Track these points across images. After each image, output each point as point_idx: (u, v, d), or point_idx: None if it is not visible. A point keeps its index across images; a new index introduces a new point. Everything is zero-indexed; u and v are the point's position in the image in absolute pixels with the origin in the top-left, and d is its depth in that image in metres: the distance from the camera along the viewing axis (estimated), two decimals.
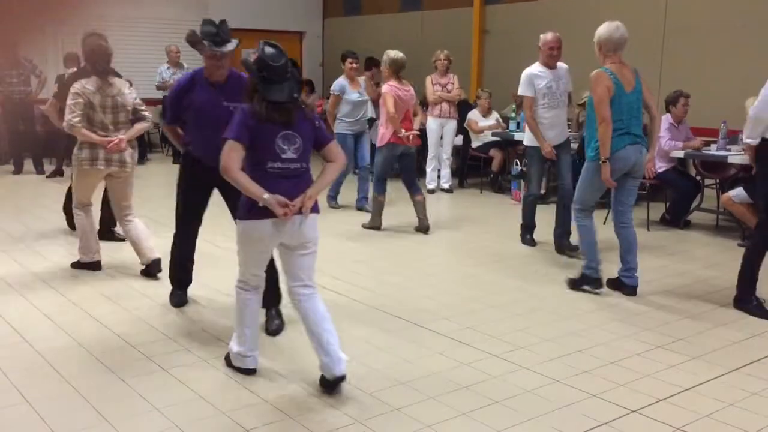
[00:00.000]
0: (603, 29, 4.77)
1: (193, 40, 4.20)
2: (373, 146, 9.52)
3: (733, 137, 7.01)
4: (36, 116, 10.28)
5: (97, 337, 4.11)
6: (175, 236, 4.60)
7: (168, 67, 10.83)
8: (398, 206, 7.54)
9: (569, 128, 7.46)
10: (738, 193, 6.24)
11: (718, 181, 7.45)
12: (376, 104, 10.29)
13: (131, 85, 5.39)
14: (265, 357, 3.83)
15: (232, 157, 3.24)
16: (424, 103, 8.97)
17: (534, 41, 6.14)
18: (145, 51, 11.45)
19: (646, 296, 4.96)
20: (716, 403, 3.40)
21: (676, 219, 7.25)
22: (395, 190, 7.42)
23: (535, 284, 5.27)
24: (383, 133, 6.72)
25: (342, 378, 3.37)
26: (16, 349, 3.91)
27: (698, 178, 7.49)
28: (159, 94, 10.05)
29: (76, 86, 4.95)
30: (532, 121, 6.06)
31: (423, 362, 3.82)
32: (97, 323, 4.32)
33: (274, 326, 4.21)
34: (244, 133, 3.26)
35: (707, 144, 7.25)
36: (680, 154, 7.15)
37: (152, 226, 5.81)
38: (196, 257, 4.74)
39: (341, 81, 7.72)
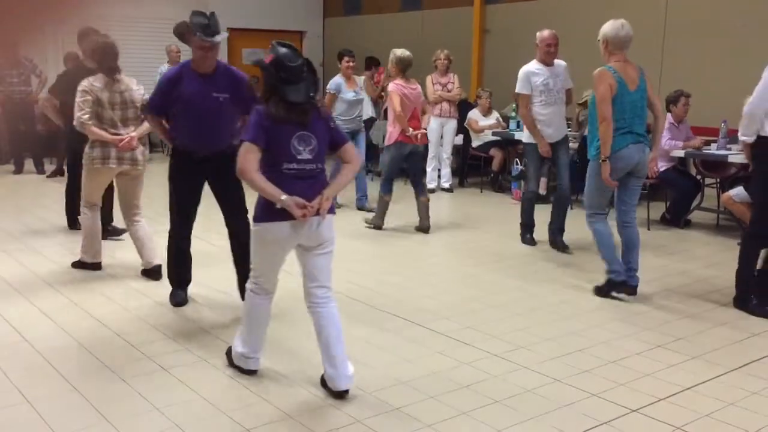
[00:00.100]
0: (608, 27, 4.75)
1: (181, 31, 4.22)
2: (374, 146, 9.57)
3: (733, 136, 7.00)
4: (36, 116, 10.28)
5: (97, 336, 4.11)
6: (171, 231, 4.60)
7: (168, 67, 10.84)
8: (399, 206, 7.54)
9: (569, 127, 7.47)
10: (738, 192, 6.23)
11: (718, 180, 7.45)
12: (376, 104, 10.31)
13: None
14: (265, 356, 3.83)
15: (249, 158, 3.20)
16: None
17: (534, 40, 6.15)
18: (145, 51, 11.45)
19: (646, 295, 4.96)
20: (716, 403, 3.40)
21: (677, 218, 7.25)
22: (395, 189, 7.41)
23: (535, 284, 5.27)
24: (391, 132, 6.71)
25: (345, 392, 3.36)
26: (16, 349, 3.91)
27: (698, 177, 7.50)
28: None
29: (84, 84, 4.95)
30: (529, 119, 6.09)
31: (423, 362, 3.82)
32: (97, 323, 4.32)
33: None
34: (261, 134, 3.22)
35: (707, 143, 7.25)
36: (681, 153, 7.16)
37: (155, 226, 5.80)
38: (193, 257, 4.75)
39: (337, 79, 7.71)
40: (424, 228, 6.82)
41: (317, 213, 3.23)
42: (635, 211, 5.01)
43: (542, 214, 6.47)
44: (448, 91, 8.87)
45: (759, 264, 4.74)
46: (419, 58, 8.03)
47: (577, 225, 7.02)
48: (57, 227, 6.72)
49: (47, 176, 9.72)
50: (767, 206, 4.62)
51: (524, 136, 6.35)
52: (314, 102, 3.34)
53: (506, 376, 3.67)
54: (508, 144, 8.97)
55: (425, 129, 6.79)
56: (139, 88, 5.15)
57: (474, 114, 9.44)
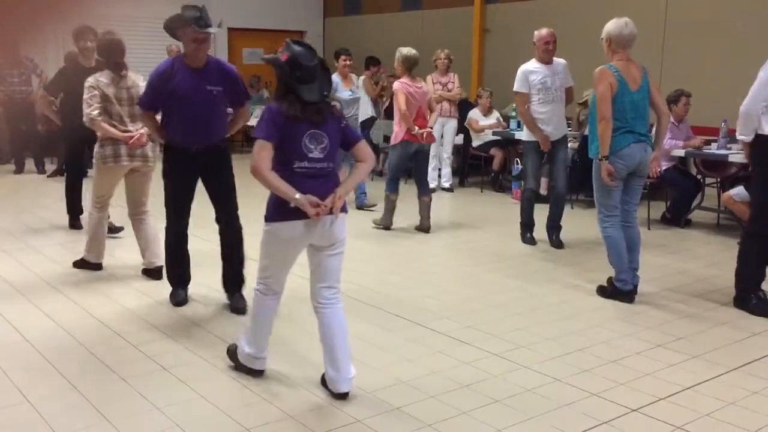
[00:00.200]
0: (612, 25, 4.73)
1: (173, 26, 4.22)
2: (374, 145, 9.57)
3: (733, 136, 6.95)
4: (37, 116, 10.28)
5: (97, 336, 4.11)
6: (168, 228, 4.61)
7: None
8: (399, 205, 7.52)
9: (569, 127, 7.48)
10: (739, 191, 6.23)
11: (718, 179, 7.45)
12: (375, 103, 10.30)
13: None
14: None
15: (263, 156, 3.16)
16: None
17: (532, 41, 6.16)
18: (145, 51, 11.45)
19: (646, 295, 4.96)
20: (716, 402, 3.40)
21: (677, 218, 7.25)
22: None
23: (535, 283, 5.27)
24: (397, 131, 6.70)
25: (345, 395, 3.35)
26: (16, 349, 3.92)
27: (699, 176, 7.49)
28: None
29: (90, 80, 4.95)
30: (527, 117, 6.11)
31: (423, 361, 3.82)
32: (97, 322, 4.32)
33: (242, 305, 4.51)
34: (274, 132, 3.18)
35: (708, 143, 7.25)
36: (681, 152, 7.16)
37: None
38: (192, 257, 4.75)
39: (333, 78, 7.69)
40: (424, 228, 6.82)
41: (330, 212, 3.20)
42: (636, 211, 5.00)
43: (542, 214, 6.47)
44: (449, 91, 8.87)
45: None
46: (419, 58, 8.01)
47: (577, 224, 7.04)
48: (57, 227, 6.73)
49: (48, 176, 9.73)
50: (766, 205, 4.62)
51: (523, 134, 6.37)
52: (328, 101, 3.32)
53: (506, 375, 3.67)
54: (508, 144, 8.97)
55: (431, 128, 6.76)
56: (144, 84, 5.14)
57: (474, 113, 9.44)
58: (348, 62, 7.74)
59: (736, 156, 6.63)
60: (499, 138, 8.98)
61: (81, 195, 6.75)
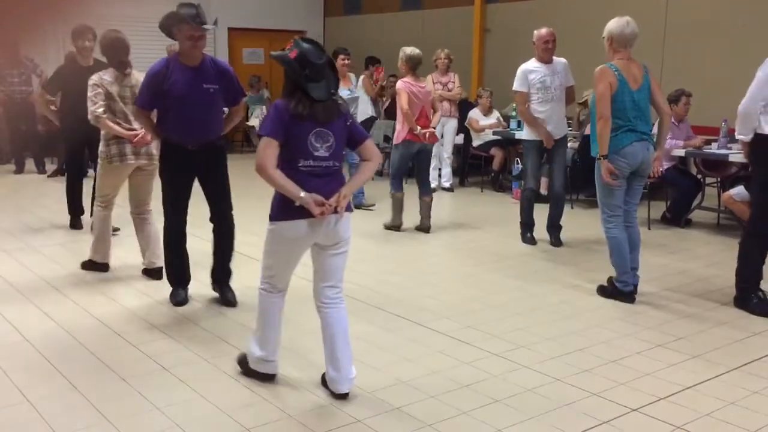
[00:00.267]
0: (613, 24, 4.73)
1: (169, 24, 4.24)
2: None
3: (734, 136, 6.99)
4: (37, 116, 10.29)
5: (97, 336, 4.11)
6: (167, 227, 4.62)
7: None
8: None
9: (569, 127, 7.48)
10: (739, 191, 6.23)
11: (719, 179, 7.45)
12: (375, 102, 10.30)
13: None
14: None
15: (268, 154, 3.13)
16: None
17: (532, 41, 6.16)
18: (145, 51, 11.44)
19: (646, 295, 4.95)
20: (717, 402, 3.40)
21: (677, 217, 7.25)
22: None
23: (535, 283, 5.27)
24: (399, 130, 6.69)
25: (345, 395, 3.35)
26: (16, 349, 3.92)
27: (699, 176, 7.49)
28: None
29: (94, 78, 4.95)
30: (527, 115, 6.13)
31: (423, 361, 3.82)
32: (97, 322, 4.32)
33: (231, 297, 4.66)
34: (280, 130, 3.15)
35: (708, 142, 7.26)
36: (681, 152, 7.16)
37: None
38: (192, 257, 4.75)
39: None
40: (424, 228, 6.82)
41: (335, 211, 3.18)
42: (636, 211, 5.00)
43: (543, 214, 6.47)
44: (449, 91, 8.86)
45: None
46: (423, 57, 8.00)
47: (577, 224, 7.04)
48: (58, 227, 6.73)
49: (48, 176, 9.74)
50: (766, 205, 4.61)
51: (524, 134, 6.37)
52: (335, 99, 3.29)
53: (506, 375, 3.67)
54: (508, 143, 8.96)
55: (434, 128, 6.74)
56: None
57: (474, 113, 9.44)
58: (346, 61, 7.74)
59: (737, 156, 6.62)
60: (499, 138, 8.98)
61: (81, 195, 6.76)
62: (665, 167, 7.13)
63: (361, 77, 9.82)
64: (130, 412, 3.22)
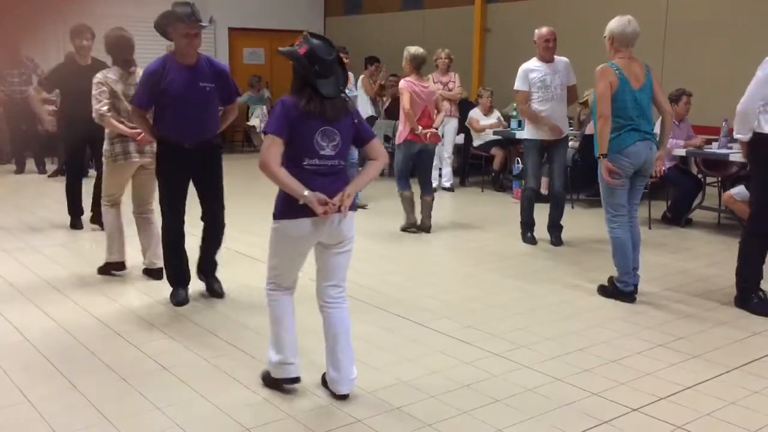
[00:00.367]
0: (615, 23, 4.72)
1: (164, 23, 4.26)
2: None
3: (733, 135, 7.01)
4: (38, 116, 10.30)
5: (97, 336, 4.11)
6: (165, 227, 4.63)
7: None
8: (399, 205, 7.53)
9: (570, 126, 7.47)
10: (739, 190, 6.23)
11: (719, 179, 7.44)
12: (374, 101, 10.30)
13: None
14: (265, 355, 3.83)
15: (272, 152, 3.09)
16: None
17: (533, 40, 6.16)
18: (146, 51, 11.45)
19: (647, 294, 4.95)
20: (717, 402, 3.40)
21: (678, 217, 7.24)
22: (396, 188, 7.39)
23: (535, 283, 5.26)
24: (401, 130, 6.68)
25: (345, 396, 3.34)
26: (17, 349, 3.92)
27: (700, 176, 7.49)
28: None
29: (99, 76, 4.95)
30: (529, 112, 6.13)
31: (424, 361, 3.82)
32: (97, 322, 4.32)
33: (218, 288, 4.78)
34: (285, 127, 3.11)
35: (709, 142, 7.25)
36: (682, 152, 7.16)
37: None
38: (191, 257, 4.75)
39: None
40: (425, 227, 6.82)
41: (339, 210, 3.15)
42: (637, 210, 5.00)
43: (543, 213, 6.47)
44: (449, 90, 8.86)
45: None
46: (427, 57, 8.01)
47: (577, 224, 7.04)
48: (58, 227, 6.73)
49: (48, 176, 9.74)
50: (766, 204, 4.61)
51: (525, 133, 6.37)
52: (343, 96, 3.25)
53: (507, 375, 3.67)
54: (509, 143, 8.96)
55: (436, 128, 6.70)
56: None
57: (475, 113, 9.44)
58: (345, 60, 7.73)
59: (737, 155, 6.61)
60: (499, 137, 8.98)
61: (81, 195, 6.76)
62: (666, 167, 7.13)
63: (361, 77, 9.82)
64: (131, 412, 3.22)
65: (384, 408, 3.28)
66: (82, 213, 6.80)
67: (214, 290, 4.80)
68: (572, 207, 7.92)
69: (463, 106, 9.43)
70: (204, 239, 4.80)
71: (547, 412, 3.27)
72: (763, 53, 4.56)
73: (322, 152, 3.16)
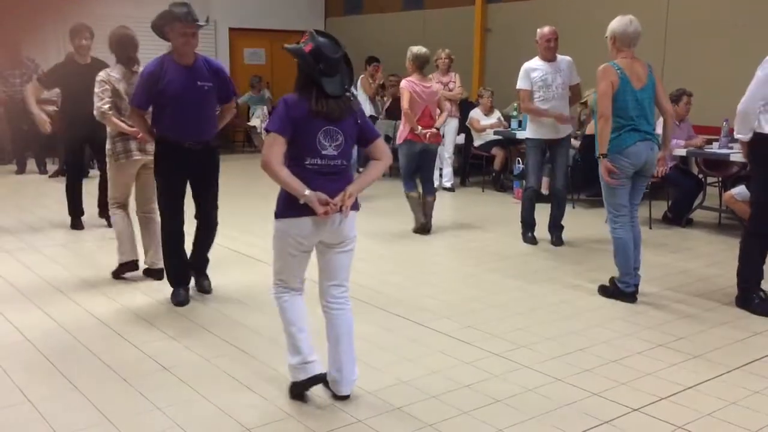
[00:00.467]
0: (616, 23, 4.71)
1: (161, 23, 4.30)
2: None
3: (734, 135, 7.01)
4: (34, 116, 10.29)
5: (98, 336, 4.12)
6: (164, 227, 4.64)
7: None
8: (400, 205, 7.54)
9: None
10: (740, 190, 6.23)
11: (720, 179, 7.45)
12: (373, 101, 10.30)
13: None
14: (265, 355, 3.84)
15: (274, 151, 3.06)
16: None
17: (535, 38, 6.17)
18: (146, 51, 11.47)
19: (647, 294, 4.95)
20: (718, 402, 3.40)
21: (678, 217, 7.24)
22: (397, 188, 7.40)
23: (536, 283, 5.26)
24: (401, 130, 6.68)
25: (346, 397, 3.33)
26: (17, 349, 3.92)
27: (700, 176, 7.49)
28: None
29: (101, 75, 4.96)
30: (533, 109, 6.13)
31: (424, 361, 3.82)
32: (98, 322, 4.32)
33: (207, 285, 4.85)
34: (287, 126, 3.08)
35: (709, 142, 7.25)
36: (682, 152, 7.16)
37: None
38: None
39: None
40: (425, 228, 6.81)
41: (340, 210, 3.14)
42: (638, 210, 4.99)
43: (544, 213, 6.47)
44: (450, 91, 8.86)
45: None
46: (430, 56, 8.02)
47: (578, 224, 7.04)
48: (59, 227, 6.74)
49: (49, 176, 9.74)
50: (766, 204, 4.61)
51: (526, 132, 6.37)
52: (348, 95, 3.22)
53: (507, 375, 3.67)
54: (509, 143, 8.96)
55: (436, 128, 6.67)
56: None
57: (475, 113, 9.44)
58: None
59: (738, 155, 6.61)
60: (500, 137, 8.98)
61: (81, 195, 6.76)
62: (667, 167, 7.12)
63: (360, 77, 9.81)
64: (131, 412, 3.22)
65: (384, 408, 3.28)
66: (82, 213, 6.80)
67: (203, 286, 4.85)
68: (573, 207, 7.92)
69: (464, 107, 9.43)
70: (197, 238, 4.82)
71: (548, 413, 3.27)
72: (764, 53, 4.56)
73: (324, 152, 3.15)
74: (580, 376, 3.65)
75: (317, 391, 3.41)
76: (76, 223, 6.73)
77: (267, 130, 3.16)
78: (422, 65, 6.64)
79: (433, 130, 6.60)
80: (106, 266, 5.40)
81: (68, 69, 6.42)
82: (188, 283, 4.76)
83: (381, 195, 8.27)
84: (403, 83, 6.62)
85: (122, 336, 4.11)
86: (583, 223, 7.24)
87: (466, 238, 6.71)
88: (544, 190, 7.21)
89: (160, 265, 5.04)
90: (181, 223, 4.63)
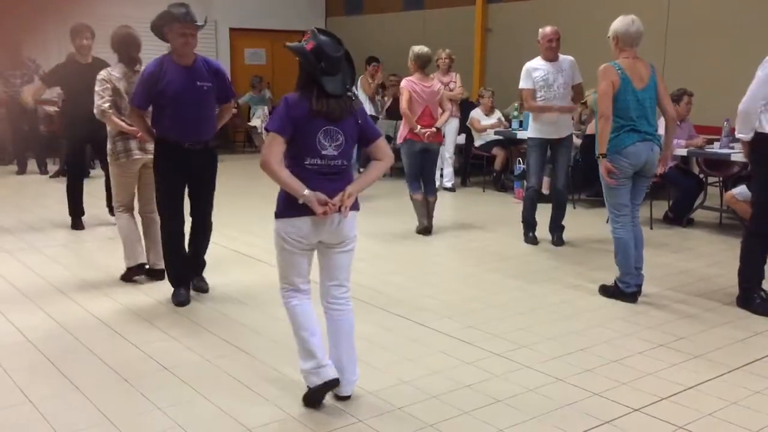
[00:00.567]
0: (619, 23, 4.71)
1: (160, 24, 4.31)
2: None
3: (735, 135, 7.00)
4: (40, 117, 10.31)
5: (99, 336, 4.12)
6: (163, 226, 4.64)
7: None
8: (401, 205, 7.54)
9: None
10: (741, 190, 6.22)
11: (721, 178, 7.44)
12: (373, 101, 10.30)
13: None
14: (266, 355, 3.84)
15: (273, 150, 3.05)
16: None
17: (537, 38, 6.17)
18: (146, 51, 11.47)
19: (648, 295, 4.94)
20: (719, 402, 3.40)
21: (679, 217, 7.24)
22: (398, 188, 7.42)
23: (536, 283, 5.26)
24: (402, 130, 6.68)
25: (347, 397, 3.33)
26: (18, 349, 3.92)
27: (701, 176, 7.48)
28: None
29: (102, 73, 4.97)
30: (536, 107, 6.12)
31: (425, 361, 3.82)
32: (99, 322, 4.33)
33: (204, 285, 4.86)
34: (287, 125, 3.07)
35: (710, 142, 7.25)
36: (683, 152, 7.15)
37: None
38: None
39: None
40: (426, 228, 6.80)
41: (339, 210, 3.12)
42: (639, 210, 4.99)
43: (545, 214, 6.47)
44: (450, 91, 8.85)
45: None
46: (432, 56, 8.02)
47: (579, 224, 7.04)
48: (59, 227, 6.74)
49: (50, 176, 9.74)
50: (767, 204, 4.61)
51: (528, 131, 6.38)
52: (350, 95, 3.20)
53: (508, 375, 3.67)
54: (510, 143, 8.96)
55: (435, 128, 6.63)
56: None
57: (476, 113, 9.43)
58: None
59: (739, 155, 6.61)
60: (501, 137, 8.98)
61: (82, 195, 6.76)
62: (667, 167, 7.12)
63: (360, 77, 9.81)
64: (132, 412, 3.22)
65: (385, 408, 3.28)
66: (83, 213, 6.81)
67: (200, 287, 4.86)
68: (574, 207, 7.92)
69: (464, 107, 9.43)
70: (192, 240, 4.81)
71: (549, 413, 3.27)
72: (764, 53, 4.56)
73: (324, 152, 3.13)
74: (581, 376, 3.65)
75: None
76: (77, 224, 6.73)
77: (267, 130, 3.15)
78: (424, 65, 6.63)
79: (433, 129, 6.59)
80: (107, 266, 5.41)
81: (70, 69, 6.43)
82: (189, 283, 4.76)
83: (382, 195, 8.27)
84: (403, 83, 6.62)
85: (123, 336, 4.12)
86: (584, 223, 7.24)
87: (467, 238, 6.70)
88: (545, 190, 7.21)
89: (161, 265, 5.03)
90: (182, 222, 4.63)
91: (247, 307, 4.65)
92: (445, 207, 8.17)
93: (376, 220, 7.15)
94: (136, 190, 5.11)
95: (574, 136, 6.64)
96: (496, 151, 9.18)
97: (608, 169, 4.64)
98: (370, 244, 6.33)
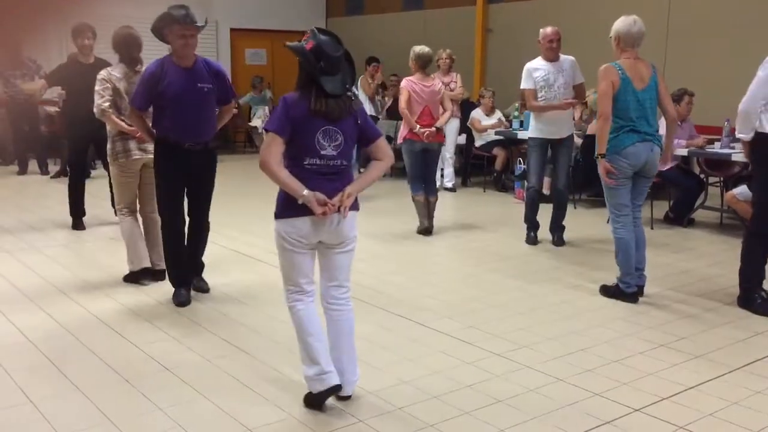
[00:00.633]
0: (620, 23, 4.70)
1: (161, 25, 4.33)
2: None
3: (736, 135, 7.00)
4: (40, 117, 10.31)
5: (100, 336, 4.12)
6: (164, 227, 4.65)
7: None
8: (401, 205, 7.54)
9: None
10: (742, 190, 6.21)
11: (721, 178, 7.44)
12: (373, 101, 10.30)
13: None
14: (266, 355, 3.84)
15: (272, 150, 3.05)
16: None
17: (537, 38, 6.17)
18: (147, 52, 11.47)
19: (649, 295, 4.94)
20: (719, 402, 3.39)
21: (680, 217, 7.24)
22: (398, 188, 7.42)
23: (536, 283, 5.26)
24: (402, 130, 6.69)
25: (347, 397, 3.33)
26: (19, 349, 3.92)
27: (702, 176, 7.48)
28: None
29: (103, 73, 4.97)
30: (538, 106, 6.12)
31: (425, 361, 3.82)
32: (100, 323, 4.33)
33: (204, 285, 4.88)
34: (286, 125, 3.06)
35: (711, 142, 7.25)
36: (684, 152, 7.15)
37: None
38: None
39: None
40: (427, 229, 6.80)
41: (339, 210, 3.11)
42: (640, 211, 4.98)
43: (546, 214, 6.47)
44: (451, 91, 8.85)
45: None
46: (432, 56, 8.02)
47: (579, 224, 7.04)
48: (60, 228, 6.74)
49: (51, 177, 9.75)
50: (767, 204, 4.60)
51: (529, 131, 6.38)
52: (349, 95, 3.19)
53: (508, 375, 3.66)
54: (511, 143, 8.97)
55: (435, 127, 6.62)
56: None
57: (477, 113, 9.44)
58: None
59: (739, 155, 6.61)
60: (501, 138, 8.98)
61: (83, 195, 6.77)
62: (667, 167, 7.11)
63: (360, 77, 9.81)
64: (133, 413, 3.22)
65: (386, 408, 3.28)
66: (84, 214, 6.81)
67: (200, 287, 4.87)
68: (574, 207, 7.92)
69: (465, 107, 9.43)
70: (190, 241, 4.77)
71: (550, 413, 3.27)
72: (765, 53, 4.56)
73: (323, 152, 3.13)
74: (582, 376, 3.65)
75: None
76: (78, 224, 6.73)
77: (266, 130, 3.15)
78: (425, 65, 6.63)
79: (432, 129, 6.58)
80: (108, 267, 5.42)
81: (71, 69, 6.44)
82: (190, 283, 4.76)
83: (382, 195, 8.27)
84: (403, 83, 6.63)
85: (124, 336, 4.12)
86: (584, 223, 7.24)
87: (467, 239, 6.70)
88: (546, 190, 7.21)
89: (162, 265, 5.03)
90: (182, 222, 4.64)
91: (247, 307, 4.65)
92: (445, 207, 8.16)
93: (376, 220, 7.15)
94: (137, 191, 5.11)
95: (575, 136, 6.64)
96: (496, 151, 9.19)
97: (607, 169, 4.64)
98: (370, 244, 6.33)
